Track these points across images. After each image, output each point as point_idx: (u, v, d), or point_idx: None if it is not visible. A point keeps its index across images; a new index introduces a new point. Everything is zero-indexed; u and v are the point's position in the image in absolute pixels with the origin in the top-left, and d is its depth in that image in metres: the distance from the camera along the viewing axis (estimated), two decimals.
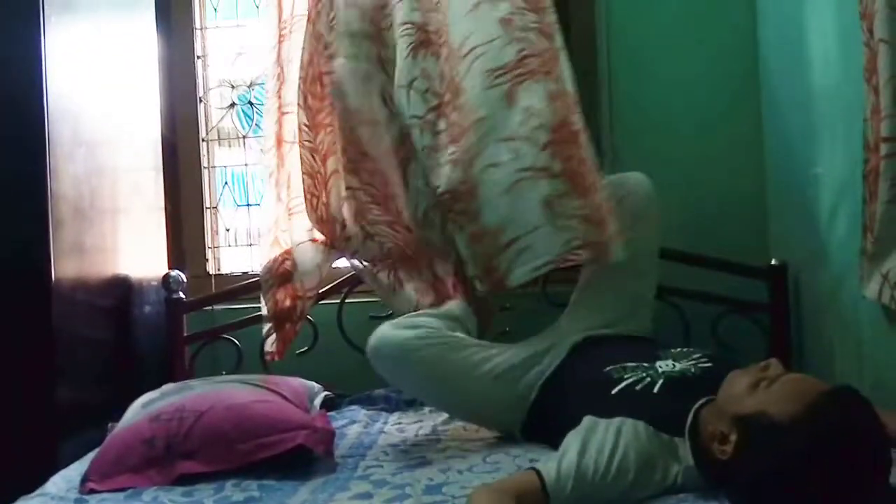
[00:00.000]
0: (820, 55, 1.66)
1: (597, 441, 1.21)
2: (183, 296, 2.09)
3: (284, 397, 1.61)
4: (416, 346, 1.53)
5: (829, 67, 1.62)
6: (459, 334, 1.62)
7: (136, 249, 2.05)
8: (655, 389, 1.35)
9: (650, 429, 1.24)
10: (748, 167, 2.13)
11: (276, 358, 1.98)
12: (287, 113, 2.05)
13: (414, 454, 1.53)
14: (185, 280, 2.11)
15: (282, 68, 2.07)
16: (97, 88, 1.88)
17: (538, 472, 1.16)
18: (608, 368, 1.44)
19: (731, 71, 2.15)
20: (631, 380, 1.38)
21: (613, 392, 1.37)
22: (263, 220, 2.08)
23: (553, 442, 1.34)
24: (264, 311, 1.99)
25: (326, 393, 1.82)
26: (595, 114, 2.18)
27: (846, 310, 1.59)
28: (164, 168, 2.23)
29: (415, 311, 1.78)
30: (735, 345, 1.96)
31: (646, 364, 1.41)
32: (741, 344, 1.96)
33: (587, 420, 1.28)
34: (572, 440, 1.23)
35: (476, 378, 1.55)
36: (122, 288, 1.96)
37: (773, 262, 1.97)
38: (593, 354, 1.53)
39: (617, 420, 1.25)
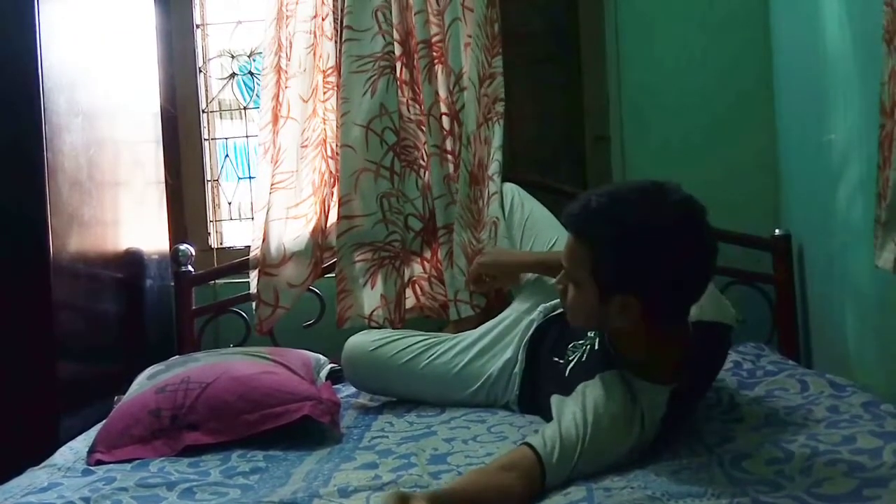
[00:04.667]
0: (834, 18, 1.63)
1: (569, 410, 1.22)
2: (192, 269, 2.09)
3: (290, 369, 1.61)
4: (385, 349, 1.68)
5: (844, 31, 1.59)
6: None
7: (136, 223, 2.03)
8: (585, 357, 1.38)
9: (604, 376, 1.25)
10: (759, 134, 2.11)
11: (258, 333, 2.03)
12: (286, 88, 2.04)
13: (419, 425, 1.53)
14: (193, 253, 2.10)
15: (283, 43, 2.05)
16: (94, 58, 1.85)
17: (529, 445, 1.16)
18: (555, 358, 1.46)
19: (741, 38, 2.12)
20: (575, 358, 1.40)
21: (566, 375, 1.39)
22: (257, 196, 2.08)
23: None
24: (252, 288, 2.03)
25: (332, 365, 1.82)
26: (603, 83, 2.16)
27: (854, 279, 1.58)
28: (164, 140, 2.20)
29: (367, 318, 1.96)
30: (741, 316, 1.95)
31: (589, 335, 1.41)
32: (747, 314, 1.95)
33: (554, 399, 1.31)
34: (551, 421, 1.25)
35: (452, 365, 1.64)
36: (124, 261, 1.95)
37: (777, 232, 1.95)
38: (546, 339, 1.56)
39: (579, 387, 1.27)
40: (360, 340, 1.73)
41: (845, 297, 1.64)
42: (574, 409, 1.21)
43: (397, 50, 2.00)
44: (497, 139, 1.96)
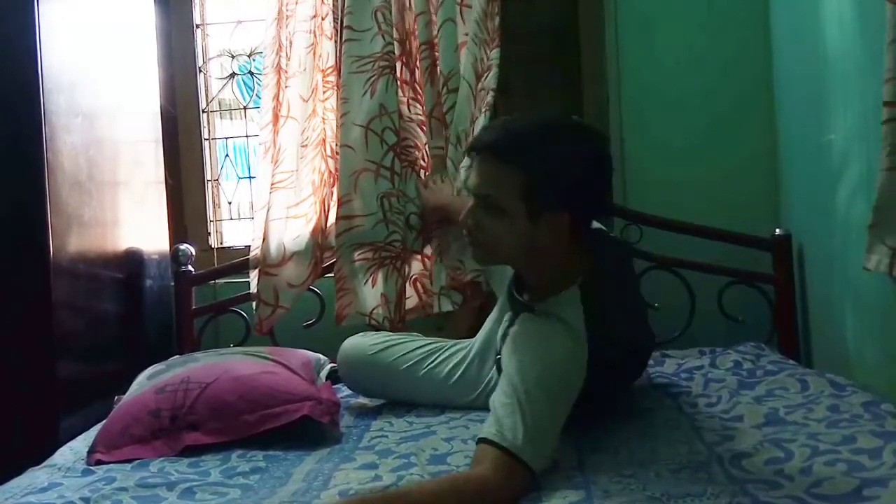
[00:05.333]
0: (834, 18, 1.63)
1: (500, 387, 1.23)
2: (192, 269, 2.09)
3: (290, 369, 1.61)
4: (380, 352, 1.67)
5: (843, 30, 1.59)
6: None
7: (136, 223, 2.03)
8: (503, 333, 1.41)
9: (516, 338, 1.27)
10: (759, 134, 2.11)
11: (258, 333, 2.03)
12: (286, 87, 2.04)
13: (418, 425, 1.53)
14: (193, 253, 2.10)
15: (283, 43, 2.05)
16: (94, 58, 1.85)
17: (483, 439, 1.14)
18: None
19: (741, 37, 2.12)
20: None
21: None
22: (258, 195, 2.08)
23: None
24: (252, 288, 2.04)
25: (332, 365, 1.82)
26: (603, 83, 2.16)
27: (854, 278, 1.58)
28: (164, 140, 2.20)
29: (368, 315, 1.96)
30: (741, 315, 1.96)
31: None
32: (747, 315, 1.96)
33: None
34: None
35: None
36: (124, 261, 1.95)
37: (777, 231, 1.95)
38: None
39: (503, 360, 1.29)
40: (358, 343, 1.71)
41: (845, 296, 1.64)
42: (502, 384, 1.21)
43: (397, 50, 2.00)
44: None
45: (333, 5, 2.04)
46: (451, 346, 1.68)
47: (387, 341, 1.70)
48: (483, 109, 1.93)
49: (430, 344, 1.69)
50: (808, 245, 1.89)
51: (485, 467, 1.11)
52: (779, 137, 2.08)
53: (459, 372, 1.62)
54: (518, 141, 1.25)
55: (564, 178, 1.23)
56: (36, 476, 1.32)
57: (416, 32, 2.00)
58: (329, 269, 2.07)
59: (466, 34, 1.97)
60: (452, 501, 1.07)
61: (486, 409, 1.58)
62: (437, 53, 1.99)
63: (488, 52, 1.94)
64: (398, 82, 2.00)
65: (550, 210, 1.23)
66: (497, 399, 1.20)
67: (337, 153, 2.03)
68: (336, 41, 2.04)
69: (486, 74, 1.95)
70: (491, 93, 1.93)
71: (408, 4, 2.01)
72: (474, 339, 1.67)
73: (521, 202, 1.23)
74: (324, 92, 2.09)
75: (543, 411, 1.16)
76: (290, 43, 2.05)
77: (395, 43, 2.00)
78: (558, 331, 1.23)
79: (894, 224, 1.25)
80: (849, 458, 1.12)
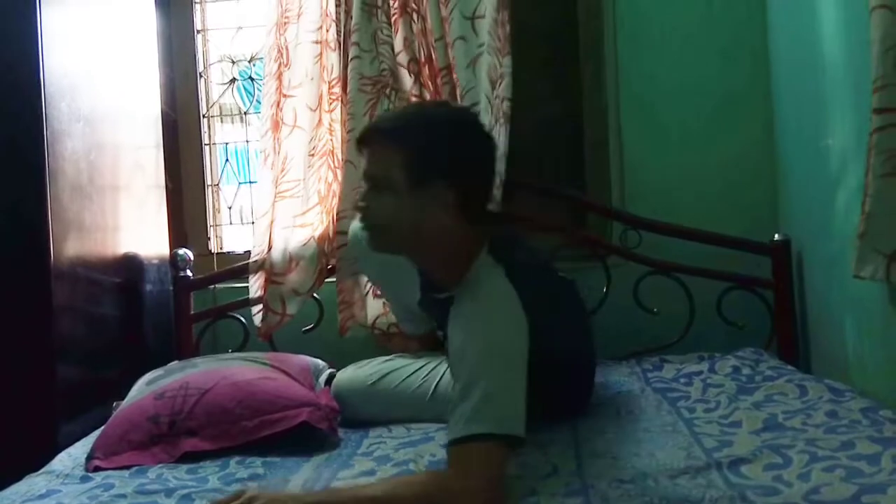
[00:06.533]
0: (830, 23, 1.63)
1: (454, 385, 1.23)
2: (190, 274, 2.09)
3: (289, 375, 1.61)
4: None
5: (840, 34, 1.59)
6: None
7: (137, 228, 2.03)
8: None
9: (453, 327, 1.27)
10: (758, 140, 2.11)
11: (260, 338, 2.03)
12: (289, 96, 2.04)
13: (416, 431, 1.53)
14: (192, 258, 2.10)
15: (283, 50, 2.06)
16: (95, 63, 1.86)
17: (466, 437, 1.12)
18: None
19: (741, 43, 2.12)
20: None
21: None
22: (259, 202, 2.08)
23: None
24: (252, 293, 2.04)
25: (331, 370, 1.82)
26: (602, 89, 2.16)
27: (853, 284, 1.57)
28: (164, 144, 2.21)
29: (370, 327, 1.98)
30: (740, 321, 1.96)
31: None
32: (746, 320, 1.96)
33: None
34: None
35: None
36: (124, 266, 1.95)
37: (776, 236, 1.95)
38: None
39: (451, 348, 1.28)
40: (352, 376, 1.67)
41: (844, 302, 1.64)
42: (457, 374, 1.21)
43: (398, 73, 2.00)
44: (504, 142, 1.93)
45: (336, 17, 2.04)
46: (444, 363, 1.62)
47: (382, 369, 1.66)
48: (500, 119, 1.92)
49: (423, 364, 1.65)
50: (807, 250, 1.89)
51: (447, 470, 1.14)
52: (777, 143, 2.08)
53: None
54: (395, 121, 1.39)
55: (440, 148, 1.29)
56: (34, 482, 1.32)
57: (436, 59, 1.98)
58: (329, 273, 2.07)
59: (481, 45, 1.94)
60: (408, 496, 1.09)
61: None
62: (454, 75, 1.97)
63: (501, 59, 1.94)
64: (397, 103, 2.00)
65: (431, 182, 1.28)
66: (451, 397, 1.19)
67: (341, 165, 2.04)
68: (339, 53, 2.04)
69: (499, 82, 1.93)
70: (507, 102, 1.92)
71: (424, 28, 1.99)
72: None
73: (404, 177, 1.29)
74: (329, 103, 2.09)
75: (494, 382, 1.16)
76: (291, 51, 2.05)
77: (398, 67, 2.00)
78: (485, 301, 1.24)
79: (886, 231, 1.25)
80: (847, 463, 1.12)
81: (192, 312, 2.10)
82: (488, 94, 1.93)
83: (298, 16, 2.05)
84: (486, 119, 1.93)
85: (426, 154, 1.28)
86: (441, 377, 1.59)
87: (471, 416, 1.13)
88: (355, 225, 1.72)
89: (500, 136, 1.92)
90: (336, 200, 2.05)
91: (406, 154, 1.28)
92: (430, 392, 1.59)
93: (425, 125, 1.33)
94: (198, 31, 2.35)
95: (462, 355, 1.20)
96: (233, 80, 2.38)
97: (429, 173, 1.28)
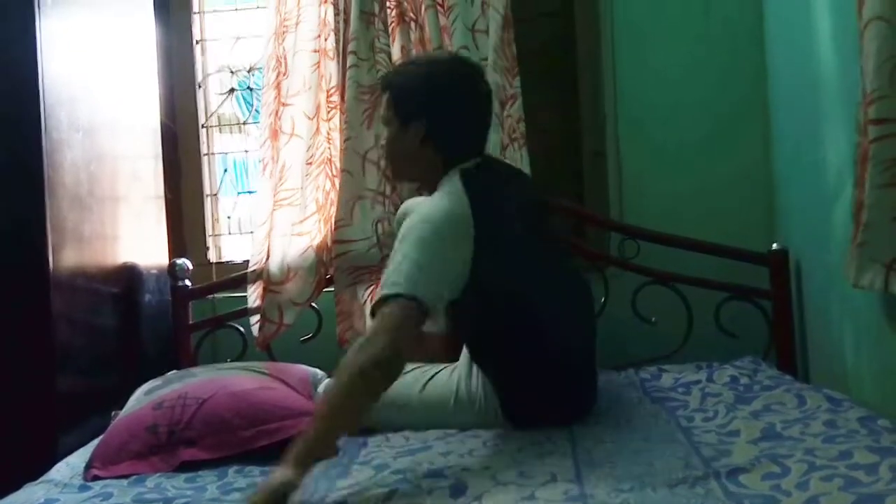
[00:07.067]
0: (826, 35, 1.65)
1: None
2: (189, 284, 2.10)
3: (288, 384, 1.61)
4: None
5: (834, 50, 1.60)
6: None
7: (136, 237, 2.04)
8: None
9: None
10: (755, 150, 2.12)
11: (258, 348, 2.03)
12: (287, 105, 2.05)
13: (415, 440, 1.53)
14: (190, 268, 2.11)
15: (282, 59, 2.07)
16: (94, 74, 1.87)
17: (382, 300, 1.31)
18: None
19: (738, 56, 2.14)
20: None
21: None
22: (257, 211, 2.09)
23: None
24: (250, 303, 2.05)
25: (330, 379, 1.81)
26: (599, 101, 2.18)
27: (851, 294, 1.58)
28: (163, 155, 2.21)
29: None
30: (738, 331, 1.96)
31: None
32: (744, 329, 1.96)
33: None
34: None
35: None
36: (123, 276, 1.96)
37: (774, 246, 1.96)
38: None
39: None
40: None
41: (842, 311, 1.65)
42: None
43: None
44: (525, 163, 1.95)
45: (335, 26, 2.06)
46: (440, 370, 1.62)
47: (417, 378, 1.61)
48: (515, 139, 1.94)
49: (418, 369, 1.61)
50: (805, 260, 1.89)
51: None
52: (774, 153, 2.10)
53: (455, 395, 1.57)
54: (394, 70, 1.76)
55: (418, 92, 1.53)
56: (33, 492, 1.32)
57: None
58: (328, 282, 2.08)
59: (483, 59, 1.95)
60: (343, 375, 1.27)
61: (485, 426, 1.55)
62: None
63: (510, 79, 1.96)
64: None
65: (413, 119, 1.52)
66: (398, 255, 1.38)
67: (339, 174, 2.04)
68: (338, 62, 2.05)
69: (510, 103, 1.96)
70: (522, 122, 1.95)
71: (421, 37, 2.00)
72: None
73: (392, 115, 1.55)
74: (327, 112, 2.10)
75: (413, 251, 1.35)
76: (289, 60, 2.06)
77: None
78: (434, 196, 1.47)
79: (885, 241, 1.25)
80: (845, 473, 1.12)
81: (190, 322, 2.10)
82: (497, 111, 1.92)
83: (297, 24, 2.07)
84: (496, 136, 1.92)
85: (405, 96, 1.53)
86: (429, 380, 1.58)
87: (384, 281, 1.36)
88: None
89: (522, 158, 1.95)
90: (334, 209, 2.05)
91: (393, 97, 1.55)
92: (420, 397, 1.57)
93: (411, 73, 1.58)
94: (197, 42, 2.36)
95: (402, 232, 1.41)
96: (231, 91, 2.39)
97: (409, 112, 1.52)
